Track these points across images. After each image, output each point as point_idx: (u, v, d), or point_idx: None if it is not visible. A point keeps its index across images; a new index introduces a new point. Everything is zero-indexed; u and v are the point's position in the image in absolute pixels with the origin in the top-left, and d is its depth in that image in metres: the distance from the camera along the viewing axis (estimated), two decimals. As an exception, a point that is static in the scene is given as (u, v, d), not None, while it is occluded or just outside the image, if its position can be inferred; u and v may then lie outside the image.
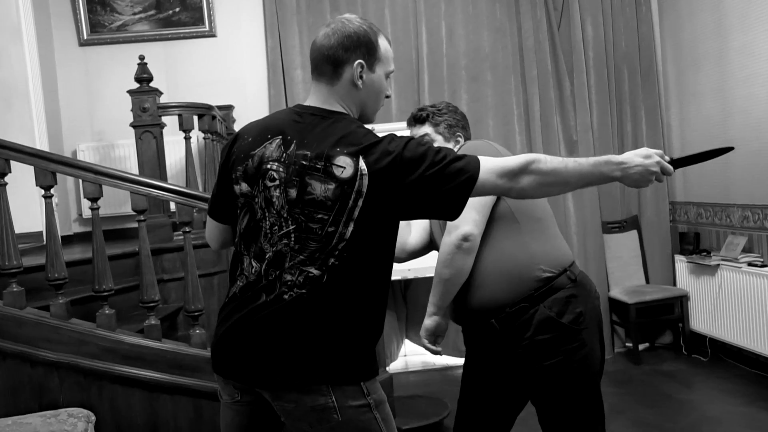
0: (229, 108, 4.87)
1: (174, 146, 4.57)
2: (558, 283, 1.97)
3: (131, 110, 3.88)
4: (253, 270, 1.64)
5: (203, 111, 4.11)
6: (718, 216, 4.66)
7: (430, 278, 2.26)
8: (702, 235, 4.85)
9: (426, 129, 2.22)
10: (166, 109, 3.96)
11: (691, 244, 4.86)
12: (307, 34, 4.79)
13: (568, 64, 4.96)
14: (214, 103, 4.45)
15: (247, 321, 1.62)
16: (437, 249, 2.31)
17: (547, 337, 1.95)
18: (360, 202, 1.54)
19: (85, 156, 4.72)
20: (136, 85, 3.90)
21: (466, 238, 1.97)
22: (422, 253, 2.41)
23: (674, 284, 4.99)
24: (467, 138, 2.26)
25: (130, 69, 4.01)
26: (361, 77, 1.64)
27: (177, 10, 4.84)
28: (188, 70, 4.90)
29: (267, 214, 1.62)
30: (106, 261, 2.96)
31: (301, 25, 4.80)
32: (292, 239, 1.59)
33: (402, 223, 1.98)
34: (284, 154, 1.61)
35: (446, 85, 4.87)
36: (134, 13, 4.83)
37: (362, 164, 1.53)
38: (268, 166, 1.62)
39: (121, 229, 4.58)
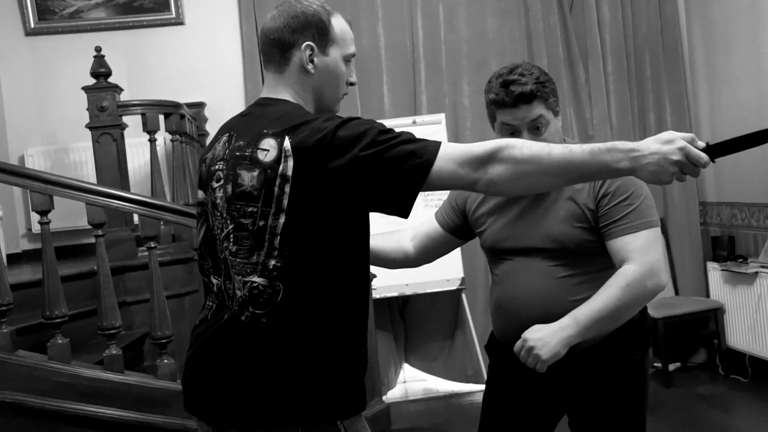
0: (200, 105, 4.82)
1: (137, 150, 4.52)
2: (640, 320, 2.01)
3: (87, 109, 3.82)
4: (215, 286, 1.65)
5: (170, 109, 4.07)
6: (755, 217, 4.61)
7: (431, 294, 2.19)
8: (737, 239, 4.80)
9: (538, 110, 1.95)
10: (127, 107, 3.93)
11: (726, 249, 4.81)
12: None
13: (582, 49, 4.93)
14: (183, 99, 4.39)
15: (208, 348, 1.61)
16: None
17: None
18: (287, 188, 1.48)
19: (34, 162, 4.66)
20: (92, 81, 3.85)
21: (663, 288, 1.90)
22: (417, 261, 2.28)
23: (707, 295, 4.94)
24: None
25: (85, 62, 3.94)
26: (311, 61, 1.62)
27: (139, -6, 4.78)
28: (153, 63, 4.85)
29: (215, 219, 1.61)
30: (59, 283, 2.92)
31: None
32: (231, 241, 1.56)
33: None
34: (227, 151, 1.60)
35: (446, 75, 4.84)
36: (89, -1, 4.76)
37: (287, 144, 1.48)
38: (215, 167, 1.62)
39: (78, 246, 4.50)
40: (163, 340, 2.98)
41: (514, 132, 1.99)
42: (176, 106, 4.09)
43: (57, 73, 4.79)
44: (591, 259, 1.95)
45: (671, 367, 4.88)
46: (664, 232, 5.03)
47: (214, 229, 1.63)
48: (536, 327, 1.83)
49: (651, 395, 4.32)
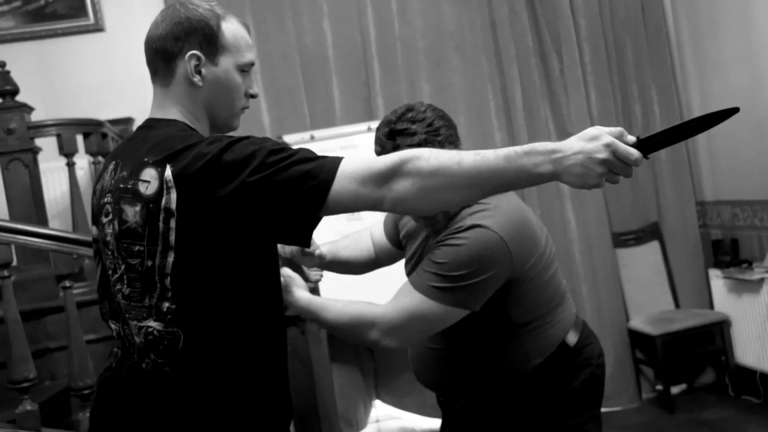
0: (127, 121, 4.83)
1: (56, 175, 4.53)
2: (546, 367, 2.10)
3: (-7, 133, 3.85)
4: (114, 332, 1.68)
5: (89, 128, 4.10)
6: (758, 216, 4.70)
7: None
8: (741, 241, 4.89)
9: None
10: (39, 128, 3.94)
11: (728, 254, 4.90)
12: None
13: (554, 37, 5.01)
14: (107, 115, 4.44)
15: (111, 399, 1.66)
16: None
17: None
18: (172, 223, 1.50)
19: (-58, 195, 4.64)
20: (-2, 101, 3.88)
21: (384, 348, 2.07)
22: (378, 264, 2.48)
23: (711, 307, 5.03)
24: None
25: (-7, 78, 3.97)
26: (198, 72, 1.64)
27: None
28: (71, 76, 4.87)
29: (107, 258, 1.64)
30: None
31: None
32: (125, 283, 1.59)
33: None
34: (113, 182, 1.62)
35: (402, 74, 4.90)
36: (-7, 6, 4.80)
37: (168, 173, 1.50)
38: (104, 200, 1.64)
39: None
40: (86, 391, 2.99)
41: None
42: (97, 124, 4.13)
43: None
44: None
45: (675, 389, 4.97)
46: (659, 237, 5.11)
47: (107, 269, 1.65)
48: (285, 285, 2.01)
49: (650, 423, 4.43)
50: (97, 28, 4.88)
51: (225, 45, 1.65)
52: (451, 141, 2.05)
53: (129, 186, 1.55)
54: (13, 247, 3.12)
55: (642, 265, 5.10)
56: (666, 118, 5.07)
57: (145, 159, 1.55)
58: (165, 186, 1.49)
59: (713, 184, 5.12)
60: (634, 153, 1.41)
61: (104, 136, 4.18)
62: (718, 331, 4.83)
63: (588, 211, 4.97)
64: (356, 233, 2.54)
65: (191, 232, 1.50)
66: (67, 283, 3.02)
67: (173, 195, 1.49)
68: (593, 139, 1.41)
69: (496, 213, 1.98)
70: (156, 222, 1.51)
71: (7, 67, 4.01)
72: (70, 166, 3.98)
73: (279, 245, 2.21)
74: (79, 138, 4.07)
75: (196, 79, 1.64)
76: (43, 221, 3.90)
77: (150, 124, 1.68)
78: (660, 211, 5.15)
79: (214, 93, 1.67)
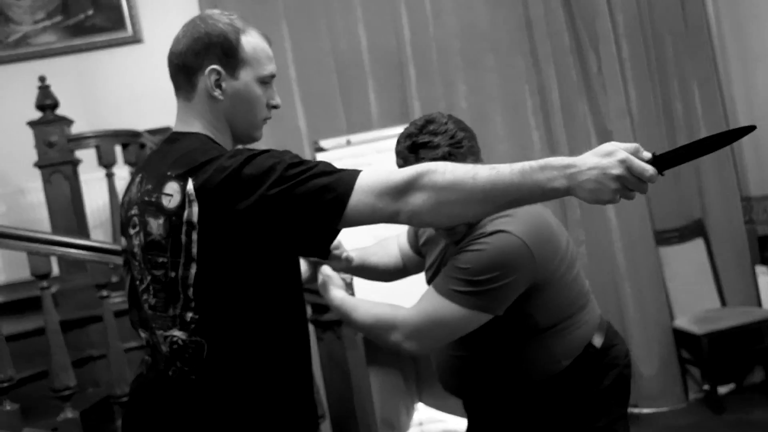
0: (166, 131, 4.85)
1: (96, 185, 4.62)
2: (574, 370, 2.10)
3: (35, 146, 3.94)
4: (144, 340, 1.74)
5: (127, 139, 4.18)
6: (806, 211, 4.61)
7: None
8: (788, 237, 4.81)
9: None
10: (79, 140, 4.04)
11: (776, 250, 4.82)
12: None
13: (591, 33, 4.96)
14: (145, 125, 4.51)
15: (141, 406, 1.72)
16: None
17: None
18: (194, 236, 1.54)
19: (-12, 207, 4.79)
20: (39, 114, 3.96)
21: (406, 353, 2.07)
22: (405, 272, 2.50)
23: (758, 305, 4.94)
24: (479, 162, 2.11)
25: (35, 93, 4.08)
26: (219, 86, 1.68)
27: (90, 13, 4.93)
28: (111, 87, 4.98)
29: (135, 269, 1.69)
30: (3, 342, 2.98)
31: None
32: (151, 293, 1.64)
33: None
34: (139, 194, 1.67)
35: (438, 77, 4.89)
36: (36, 22, 4.93)
37: (190, 187, 1.54)
38: (131, 212, 1.68)
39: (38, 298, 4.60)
40: (124, 398, 3.04)
41: None
42: (135, 134, 4.20)
43: (5, 107, 4.91)
44: None
45: (722, 389, 4.88)
46: (704, 234, 5.03)
47: (135, 279, 1.70)
48: (322, 285, 2.17)
49: (697, 425, 4.37)
50: (136, 39, 4.98)
51: (245, 58, 1.69)
52: (473, 152, 2.03)
53: (153, 199, 1.60)
54: (54, 258, 3.20)
55: (686, 263, 5.02)
56: (709, 113, 4.99)
57: (168, 173, 1.59)
58: (187, 199, 1.54)
59: (759, 178, 5.02)
60: (649, 169, 1.41)
61: (142, 146, 4.26)
62: (767, 330, 4.73)
63: (629, 210, 4.91)
64: (385, 240, 2.57)
65: (213, 244, 1.54)
66: (105, 293, 3.08)
67: (195, 208, 1.53)
68: (608, 155, 1.42)
69: (517, 218, 1.98)
70: (179, 234, 1.55)
71: (50, 81, 4.12)
72: (110, 176, 4.06)
73: None
74: (118, 149, 4.15)
75: (217, 93, 1.68)
76: (84, 232, 3.99)
77: (174, 137, 1.72)
78: (704, 207, 5.07)
79: (235, 106, 1.71)
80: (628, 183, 1.42)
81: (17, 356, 3.41)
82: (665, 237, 5.03)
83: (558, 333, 2.07)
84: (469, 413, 2.34)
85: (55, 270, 4.02)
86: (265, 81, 1.74)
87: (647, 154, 1.44)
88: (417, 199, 1.49)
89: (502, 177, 1.47)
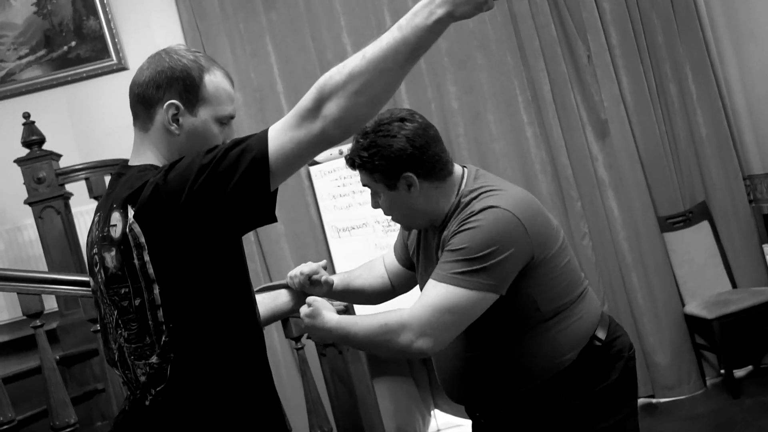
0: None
1: (90, 217, 4.60)
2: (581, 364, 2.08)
3: (24, 183, 3.94)
4: (121, 379, 1.76)
5: (117, 168, 4.15)
6: (810, 186, 4.56)
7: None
8: (795, 213, 4.77)
9: (364, 178, 2.11)
10: (68, 174, 4.04)
11: (783, 227, 4.77)
12: (240, 43, 4.84)
13: (578, 24, 4.92)
14: (136, 152, 4.50)
15: None
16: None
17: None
18: (146, 257, 1.56)
19: (-14, 247, 4.80)
20: (26, 151, 3.97)
21: (418, 354, 1.97)
22: (394, 293, 2.46)
23: (770, 284, 4.89)
24: (428, 169, 2.04)
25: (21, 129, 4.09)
26: (176, 121, 1.69)
27: (73, 44, 4.93)
28: (98, 117, 4.97)
29: (104, 307, 1.71)
30: (0, 386, 2.98)
31: (232, 34, 4.85)
32: (122, 327, 1.65)
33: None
34: (96, 233, 1.70)
35: (427, 78, 4.87)
36: (20, 57, 4.94)
37: (130, 212, 1.57)
38: (93, 251, 1.71)
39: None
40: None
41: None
42: (124, 163, 4.19)
43: (-4, 145, 4.93)
44: None
45: (740, 372, 4.85)
46: (709, 217, 4.98)
47: (105, 317, 1.72)
48: (313, 311, 2.03)
49: (716, 411, 4.33)
50: (121, 67, 4.98)
51: (205, 96, 1.71)
52: (384, 171, 2.05)
53: (105, 234, 1.63)
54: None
55: (693, 247, 4.97)
56: (704, 94, 4.95)
57: (113, 204, 1.62)
58: (128, 225, 1.56)
59: (761, 155, 4.95)
60: None
61: (133, 174, 4.24)
62: (781, 309, 4.68)
63: (631, 198, 4.87)
64: (370, 261, 2.55)
65: (166, 258, 1.57)
66: (97, 326, 3.07)
67: (138, 229, 1.56)
68: None
69: (505, 195, 2.02)
70: (131, 260, 1.58)
71: (38, 115, 4.13)
72: (102, 207, 4.05)
73: (288, 278, 2.25)
74: (108, 179, 4.14)
75: (173, 127, 1.69)
76: (80, 265, 3.98)
77: (121, 171, 1.74)
78: (707, 189, 5.02)
79: (190, 142, 1.71)
80: None
81: (20, 396, 3.43)
82: (670, 223, 4.98)
83: (561, 323, 2.05)
84: (475, 421, 2.31)
85: (55, 305, 4.03)
86: (223, 122, 1.75)
87: None
88: (332, 107, 1.51)
89: (387, 41, 1.50)
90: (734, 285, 4.96)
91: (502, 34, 4.91)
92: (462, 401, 2.25)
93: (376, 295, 2.46)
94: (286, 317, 2.72)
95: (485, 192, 2.03)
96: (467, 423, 4.91)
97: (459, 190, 2.10)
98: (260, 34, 4.87)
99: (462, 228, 1.96)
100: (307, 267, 2.27)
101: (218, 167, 1.51)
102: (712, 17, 5.05)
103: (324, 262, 2.30)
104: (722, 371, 4.86)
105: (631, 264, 4.85)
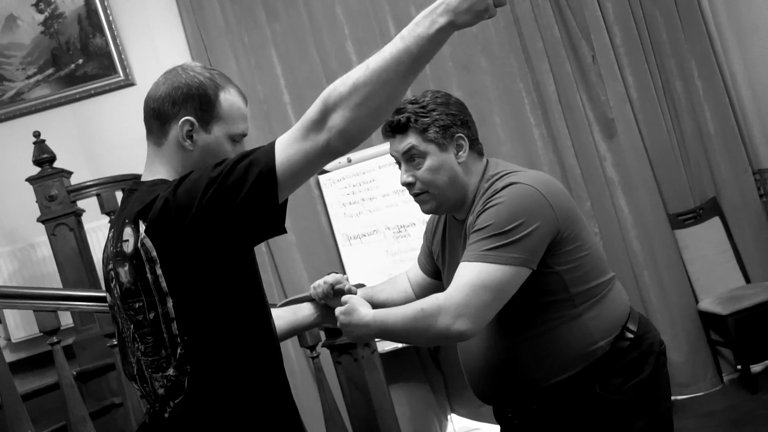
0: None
1: (102, 232, 4.66)
2: (614, 355, 2.06)
3: (36, 201, 3.97)
4: (139, 392, 1.77)
5: (127, 184, 4.17)
6: (820, 177, 4.55)
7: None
8: (805, 206, 4.75)
9: (411, 140, 2.10)
10: (79, 191, 4.06)
11: (794, 220, 4.75)
12: (244, 56, 4.87)
13: (581, 24, 4.93)
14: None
15: None
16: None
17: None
18: (158, 271, 1.58)
19: (0, 266, 4.84)
20: (37, 170, 4.00)
21: (458, 337, 1.92)
22: None
23: (784, 277, 4.86)
24: (472, 138, 2.15)
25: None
26: (190, 137, 1.71)
27: (80, 62, 4.98)
28: (107, 133, 5.02)
29: (122, 322, 1.73)
30: (19, 402, 3.00)
31: (236, 47, 4.88)
32: (138, 341, 1.67)
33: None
34: (111, 247, 1.71)
35: (432, 84, 4.88)
36: (28, 77, 4.99)
37: (141, 227, 1.59)
38: (109, 267, 1.73)
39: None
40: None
41: (398, 162, 2.16)
42: (133, 178, 4.21)
43: (6, 164, 4.98)
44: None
45: (756, 368, 4.81)
46: (720, 213, 4.97)
47: (123, 332, 1.74)
48: (349, 308, 2.02)
49: (733, 407, 4.31)
50: (128, 83, 5.03)
51: (220, 114, 1.73)
52: (440, 126, 2.10)
53: (118, 249, 1.65)
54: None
55: (705, 243, 4.96)
56: (710, 90, 4.94)
57: (125, 220, 1.64)
58: (140, 240, 1.59)
59: (769, 150, 4.96)
60: None
61: (144, 188, 4.26)
62: (795, 302, 4.66)
63: (640, 196, 4.87)
64: (393, 277, 2.56)
65: (178, 271, 1.58)
66: (115, 341, 3.09)
67: (149, 244, 1.58)
68: None
69: (525, 174, 2.06)
70: (144, 275, 1.60)
71: (48, 133, 4.17)
72: (113, 222, 4.07)
73: (312, 288, 2.25)
74: (119, 194, 4.18)
75: (187, 143, 1.71)
76: (94, 281, 4.01)
77: (133, 187, 1.76)
78: (716, 185, 5.00)
79: (203, 158, 1.73)
80: None
81: (38, 413, 3.45)
82: (680, 220, 4.97)
83: (591, 310, 2.05)
84: (505, 422, 2.27)
85: (70, 321, 4.06)
86: (236, 139, 1.77)
87: None
88: (336, 118, 1.52)
89: (390, 52, 1.51)
90: (747, 280, 4.93)
91: (505, 36, 4.92)
92: (493, 399, 2.22)
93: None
94: (306, 330, 2.72)
95: (506, 173, 2.08)
96: (484, 427, 4.93)
97: (483, 174, 2.14)
98: (264, 46, 4.90)
99: (486, 207, 1.98)
100: (330, 277, 2.27)
101: (226, 181, 1.53)
102: (715, 11, 5.04)
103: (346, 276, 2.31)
104: (738, 367, 4.84)
105: (643, 262, 4.85)
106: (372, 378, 3.43)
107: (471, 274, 1.91)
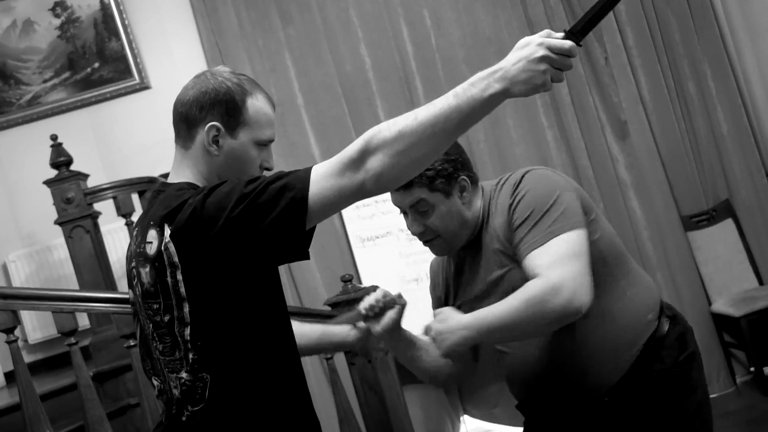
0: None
1: (118, 235, 4.69)
2: (662, 330, 2.08)
3: (53, 204, 4.02)
4: (156, 389, 1.79)
5: (144, 186, 4.24)
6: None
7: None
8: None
9: (418, 194, 2.05)
10: (95, 194, 4.10)
11: (808, 222, 4.74)
12: (259, 59, 4.90)
13: (594, 26, 4.92)
14: (162, 170, 4.56)
15: None
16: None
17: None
18: (179, 276, 1.60)
19: (18, 268, 4.89)
20: (54, 173, 4.04)
21: (577, 311, 1.85)
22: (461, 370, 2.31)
23: (797, 279, 4.85)
24: (472, 177, 2.12)
25: (49, 151, 4.15)
26: (215, 142, 1.73)
27: (96, 66, 5.02)
28: (123, 136, 5.05)
29: (143, 319, 1.75)
30: (38, 402, 3.03)
31: (250, 50, 4.91)
32: (157, 340, 1.69)
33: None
34: (134, 246, 1.73)
35: (445, 87, 4.85)
36: (45, 81, 5.03)
37: (166, 231, 1.60)
38: (131, 265, 1.74)
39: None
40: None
41: (404, 212, 2.12)
42: (150, 181, 4.26)
43: (23, 167, 5.01)
44: None
45: (769, 370, 4.82)
46: (733, 214, 4.97)
47: (144, 329, 1.77)
48: (442, 317, 1.97)
49: (747, 408, 4.31)
50: (144, 86, 5.06)
51: (246, 120, 1.74)
52: (444, 175, 2.07)
53: (141, 250, 1.67)
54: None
55: (718, 245, 4.96)
56: (723, 91, 4.94)
57: (150, 222, 1.66)
58: (164, 243, 1.60)
59: (783, 151, 4.95)
60: (567, 42, 1.53)
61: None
62: (810, 304, 4.65)
63: (653, 197, 4.88)
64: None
65: (198, 279, 1.60)
66: (132, 342, 3.12)
67: (172, 249, 1.59)
68: (526, 46, 1.54)
69: (532, 168, 2.11)
70: (164, 278, 1.62)
71: (64, 136, 4.21)
72: (129, 225, 4.12)
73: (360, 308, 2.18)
74: (135, 197, 4.22)
75: (213, 148, 1.73)
76: (110, 283, 4.05)
77: (160, 188, 1.77)
78: (729, 186, 5.00)
79: (228, 163, 1.75)
80: (554, 62, 1.52)
81: (56, 413, 3.49)
82: (694, 221, 4.97)
83: (632, 287, 2.08)
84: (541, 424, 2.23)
85: (87, 322, 4.10)
86: (262, 144, 1.78)
87: (560, 34, 1.57)
88: (375, 162, 1.53)
89: (440, 106, 1.52)
90: (761, 281, 4.93)
91: (519, 39, 4.88)
92: (558, 394, 2.13)
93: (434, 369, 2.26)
94: (336, 350, 2.69)
95: (508, 176, 2.11)
96: (497, 428, 4.93)
97: (483, 192, 2.15)
98: (278, 50, 4.93)
99: (515, 201, 2.00)
100: (379, 292, 2.14)
101: (257, 199, 1.54)
102: (728, 12, 5.03)
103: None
104: (752, 369, 4.84)
105: (656, 264, 4.85)
106: (386, 379, 3.46)
107: (556, 252, 1.89)
